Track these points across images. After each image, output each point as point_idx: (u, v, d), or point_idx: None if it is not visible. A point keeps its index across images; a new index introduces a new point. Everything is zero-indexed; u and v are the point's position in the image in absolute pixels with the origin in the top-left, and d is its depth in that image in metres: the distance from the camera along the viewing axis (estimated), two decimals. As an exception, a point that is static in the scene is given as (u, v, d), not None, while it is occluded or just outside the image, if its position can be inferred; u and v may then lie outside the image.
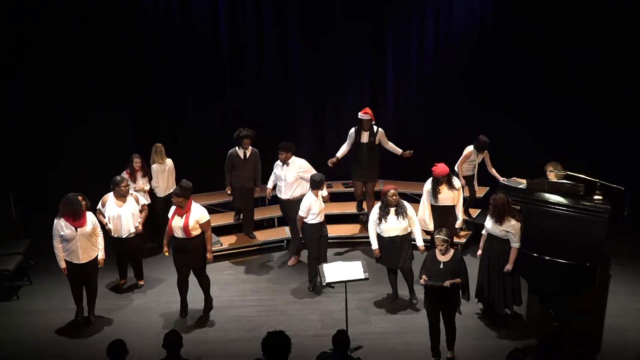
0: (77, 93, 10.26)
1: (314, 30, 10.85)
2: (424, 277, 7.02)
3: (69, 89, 10.22)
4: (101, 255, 7.97)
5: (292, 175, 9.10)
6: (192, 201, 7.89)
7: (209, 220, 7.97)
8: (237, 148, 9.46)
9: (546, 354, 5.62)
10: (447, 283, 6.81)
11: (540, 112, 10.80)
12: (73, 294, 7.99)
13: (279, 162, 9.20)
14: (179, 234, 7.79)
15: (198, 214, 7.85)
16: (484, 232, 7.85)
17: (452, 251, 7.04)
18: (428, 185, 8.69)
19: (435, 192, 8.60)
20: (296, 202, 8.85)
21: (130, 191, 8.60)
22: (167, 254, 8.11)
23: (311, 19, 10.78)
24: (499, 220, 7.50)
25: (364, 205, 9.90)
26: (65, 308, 8.16)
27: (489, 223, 7.67)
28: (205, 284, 8.10)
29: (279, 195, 9.33)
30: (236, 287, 8.96)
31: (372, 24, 10.88)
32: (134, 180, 9.28)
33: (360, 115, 9.42)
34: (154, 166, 9.57)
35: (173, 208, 7.91)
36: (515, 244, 7.49)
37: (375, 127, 9.53)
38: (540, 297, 7.75)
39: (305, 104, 11.25)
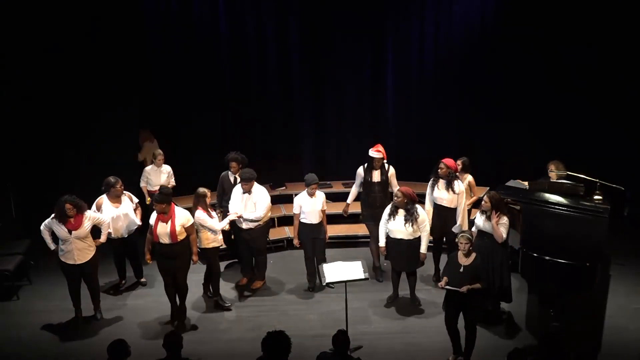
0: (78, 93, 10.25)
1: (314, 31, 10.84)
2: (445, 279, 6.97)
3: (70, 89, 10.22)
4: (103, 238, 8.02)
5: (251, 204, 8.45)
6: (174, 205, 7.83)
7: (193, 223, 7.93)
8: (228, 171, 9.11)
9: (546, 354, 5.62)
10: (464, 288, 6.76)
11: (540, 112, 10.81)
12: (71, 296, 7.97)
13: (238, 191, 8.54)
14: (165, 240, 7.67)
15: (183, 217, 7.77)
16: (474, 229, 7.85)
17: (474, 255, 6.96)
18: (431, 180, 8.70)
19: (432, 186, 8.58)
20: (259, 229, 8.58)
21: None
22: (150, 261, 8.04)
23: (311, 19, 10.77)
24: (491, 216, 7.52)
25: (373, 254, 9.02)
26: (65, 308, 8.15)
27: (479, 220, 7.68)
28: (184, 291, 8.00)
29: (240, 225, 8.59)
30: (236, 287, 8.95)
31: (373, 25, 10.87)
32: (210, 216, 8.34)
33: (372, 152, 8.69)
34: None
35: (154, 215, 7.77)
36: (503, 233, 7.50)
37: (386, 165, 8.85)
38: (540, 297, 7.76)
39: (306, 104, 11.25)
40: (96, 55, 10.18)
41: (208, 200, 8.10)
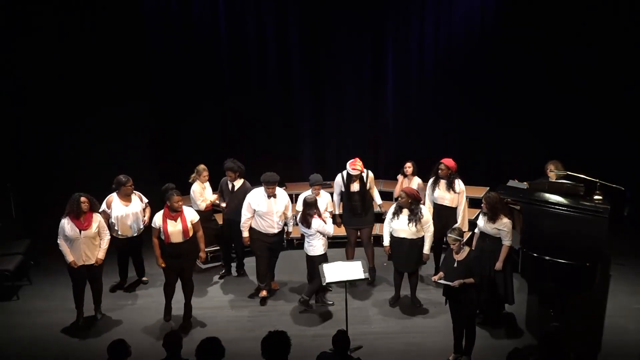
0: (77, 93, 10.26)
1: (314, 31, 10.83)
2: (440, 274, 7.04)
3: (70, 89, 10.22)
4: (101, 255, 7.88)
5: (282, 206, 8.36)
6: None
7: (199, 220, 8.00)
8: (227, 178, 8.92)
9: (546, 354, 5.62)
10: (455, 283, 6.80)
11: (540, 112, 10.81)
12: (75, 297, 7.95)
13: (259, 196, 8.25)
14: (178, 238, 7.69)
15: (191, 214, 7.87)
16: (476, 230, 7.87)
17: (467, 250, 6.99)
18: (431, 180, 8.72)
19: (433, 187, 8.60)
20: (282, 232, 8.57)
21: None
22: (163, 265, 7.95)
23: (311, 19, 10.76)
24: (493, 218, 7.53)
25: (367, 257, 8.92)
26: (65, 308, 8.16)
27: (481, 221, 7.69)
28: (192, 289, 8.03)
29: (270, 231, 8.33)
30: (236, 287, 8.96)
31: (373, 25, 10.86)
32: None
33: (350, 171, 8.52)
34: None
35: (159, 217, 7.72)
36: (506, 242, 7.53)
37: (365, 172, 8.66)
38: (540, 297, 7.76)
39: (306, 104, 11.24)
40: (96, 56, 10.18)
41: None
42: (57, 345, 7.68)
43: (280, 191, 8.43)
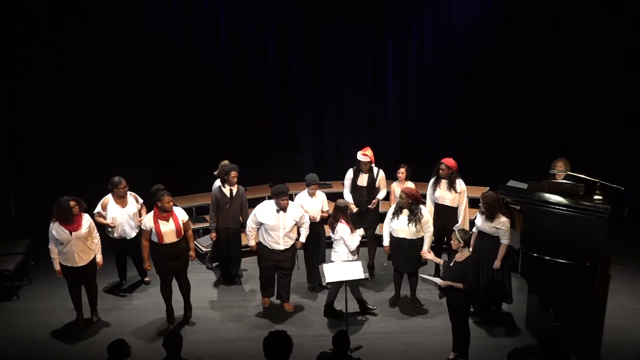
0: (77, 93, 10.26)
1: (314, 31, 10.83)
2: (431, 253, 7.35)
3: (70, 90, 10.22)
4: (99, 258, 7.89)
5: (291, 222, 7.97)
6: None
7: (189, 219, 8.01)
8: (220, 185, 8.57)
9: (546, 354, 5.62)
10: (442, 283, 6.84)
11: (540, 112, 10.81)
12: (72, 299, 7.95)
13: (268, 209, 7.92)
14: (172, 238, 7.65)
15: (182, 213, 7.85)
16: (474, 229, 7.87)
17: (467, 254, 6.93)
18: (432, 180, 8.71)
19: (434, 187, 8.60)
20: (293, 247, 8.12)
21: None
22: (149, 268, 8.00)
23: (311, 19, 10.76)
24: (490, 217, 7.54)
25: (369, 253, 9.06)
26: (65, 308, 8.16)
27: (479, 220, 7.70)
28: (189, 287, 8.02)
29: (275, 248, 7.95)
30: (236, 287, 8.96)
31: (373, 25, 10.86)
32: None
33: (359, 156, 8.58)
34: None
35: (149, 219, 7.67)
36: (504, 241, 7.54)
37: (375, 169, 8.70)
38: (540, 297, 7.76)
39: (306, 104, 11.24)
40: (97, 56, 10.18)
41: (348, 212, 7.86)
42: (57, 345, 7.68)
43: (293, 206, 8.01)
